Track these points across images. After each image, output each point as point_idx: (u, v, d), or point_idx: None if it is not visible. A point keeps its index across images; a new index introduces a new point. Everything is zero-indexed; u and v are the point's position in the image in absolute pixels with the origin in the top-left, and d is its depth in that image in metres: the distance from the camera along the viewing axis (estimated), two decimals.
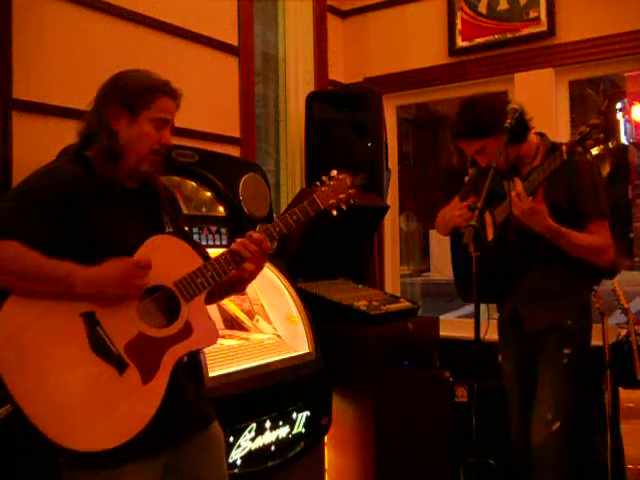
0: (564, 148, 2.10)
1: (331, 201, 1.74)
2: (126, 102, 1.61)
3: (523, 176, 2.32)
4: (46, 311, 1.47)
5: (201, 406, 1.73)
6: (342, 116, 3.48)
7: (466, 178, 2.73)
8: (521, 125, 2.31)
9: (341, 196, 1.75)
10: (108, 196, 1.59)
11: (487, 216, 2.40)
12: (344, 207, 1.76)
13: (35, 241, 1.46)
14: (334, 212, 1.76)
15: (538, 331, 2.38)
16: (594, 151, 2.09)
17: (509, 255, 2.37)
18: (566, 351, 2.34)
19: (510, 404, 2.54)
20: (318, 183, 1.77)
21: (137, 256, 1.54)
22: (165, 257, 1.59)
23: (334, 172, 1.78)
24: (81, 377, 1.46)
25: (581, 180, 2.30)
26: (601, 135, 2.04)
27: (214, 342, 1.71)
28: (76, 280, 1.46)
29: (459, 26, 3.73)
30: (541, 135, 2.47)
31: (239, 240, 1.67)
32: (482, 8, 3.66)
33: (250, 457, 2.19)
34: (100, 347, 1.49)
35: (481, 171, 2.52)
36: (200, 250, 1.78)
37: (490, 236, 2.38)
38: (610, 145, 2.06)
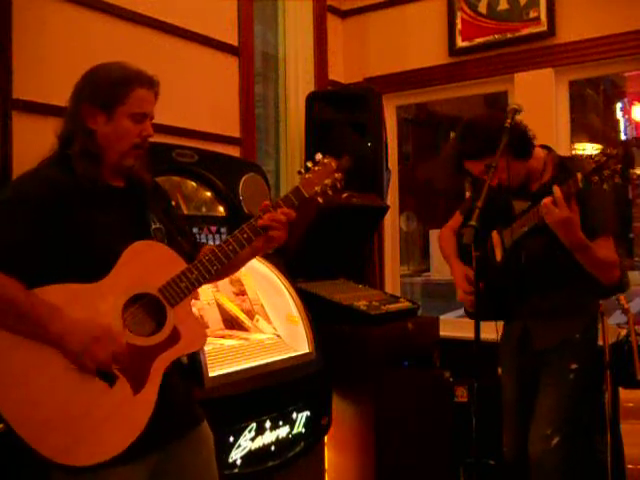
0: (579, 176, 2.01)
1: (316, 188, 1.66)
2: (99, 100, 1.56)
3: (532, 193, 2.29)
4: None
5: (190, 407, 1.72)
6: (342, 116, 3.48)
7: (466, 193, 2.71)
8: (524, 141, 2.27)
9: (326, 182, 1.67)
10: (92, 196, 1.56)
11: (495, 236, 2.38)
12: (330, 193, 1.67)
13: (17, 261, 1.44)
14: (320, 199, 1.68)
15: (548, 348, 2.37)
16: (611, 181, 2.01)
17: (518, 275, 2.35)
18: (573, 366, 2.33)
19: (506, 416, 2.51)
20: (303, 170, 1.69)
21: (119, 265, 1.52)
22: (147, 263, 1.57)
23: (319, 156, 1.69)
24: (73, 393, 1.46)
25: (591, 195, 2.21)
26: (618, 166, 1.96)
27: (202, 345, 1.70)
28: (50, 326, 1.43)
29: (459, 26, 3.73)
30: (548, 149, 2.42)
31: (267, 216, 1.64)
32: (482, 8, 3.66)
33: (250, 457, 2.19)
34: None
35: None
36: (187, 248, 1.74)
37: (499, 257, 2.36)
38: (629, 175, 2.00)
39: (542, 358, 2.38)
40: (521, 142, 2.24)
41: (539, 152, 2.37)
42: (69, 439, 1.43)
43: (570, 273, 2.25)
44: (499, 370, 2.55)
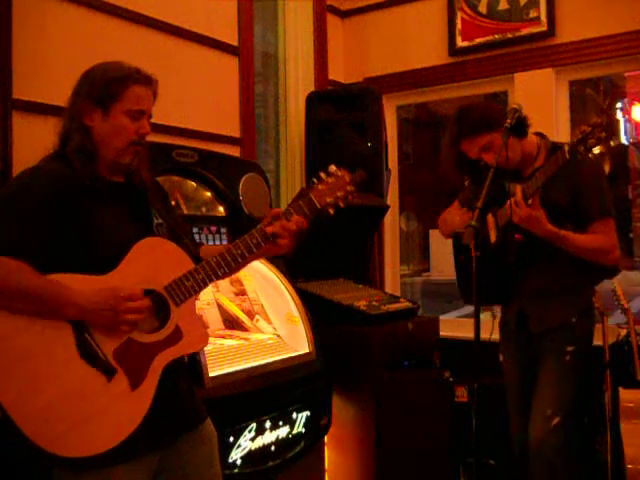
0: (566, 148, 2.09)
1: (328, 200, 1.65)
2: (96, 96, 1.57)
3: (525, 178, 2.32)
4: (34, 319, 1.46)
5: (192, 405, 1.72)
6: (342, 116, 3.48)
7: (465, 182, 2.72)
8: (519, 120, 2.31)
9: (339, 194, 1.65)
10: (92, 192, 1.56)
11: (489, 218, 2.40)
12: (342, 205, 1.67)
13: (26, 251, 1.45)
14: (331, 211, 1.67)
15: (545, 330, 2.38)
16: (595, 150, 2.07)
17: (513, 256, 2.37)
18: (569, 348, 2.35)
19: (509, 402, 2.54)
20: (315, 180, 1.68)
21: (127, 260, 1.52)
22: (155, 260, 1.57)
23: (333, 168, 1.68)
24: (70, 384, 1.46)
25: (584, 179, 2.29)
26: (602, 134, 2.02)
27: (204, 346, 1.71)
28: (67, 302, 1.45)
29: (459, 26, 3.73)
30: (541, 136, 2.46)
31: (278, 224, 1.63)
32: (482, 8, 3.66)
33: (250, 457, 2.19)
34: (88, 354, 1.48)
35: (482, 174, 2.51)
36: (191, 247, 1.75)
37: (493, 238, 2.38)
38: (612, 143, 2.04)
39: (539, 341, 2.40)
40: (516, 122, 2.28)
41: (533, 138, 2.42)
42: (62, 429, 1.43)
43: (561, 252, 2.28)
44: (500, 356, 2.57)
